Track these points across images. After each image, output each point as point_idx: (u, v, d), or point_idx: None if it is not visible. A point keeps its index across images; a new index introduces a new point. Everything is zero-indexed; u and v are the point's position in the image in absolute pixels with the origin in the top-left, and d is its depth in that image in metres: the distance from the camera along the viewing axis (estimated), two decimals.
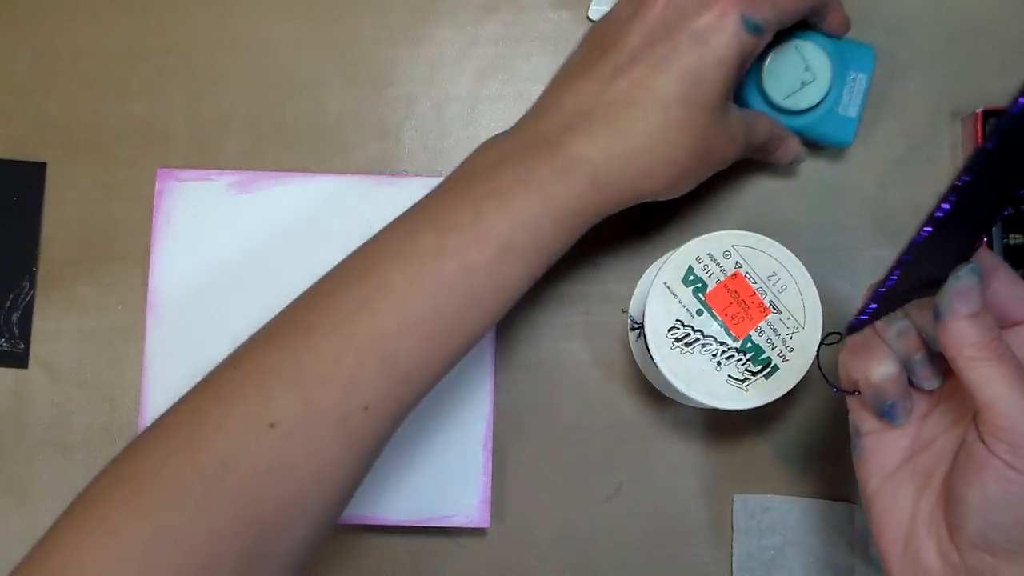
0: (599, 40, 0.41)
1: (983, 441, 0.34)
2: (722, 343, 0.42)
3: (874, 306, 0.35)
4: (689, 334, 0.42)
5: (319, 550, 0.38)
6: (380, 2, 0.52)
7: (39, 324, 0.50)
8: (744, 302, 0.42)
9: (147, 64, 0.52)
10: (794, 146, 0.47)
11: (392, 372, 0.37)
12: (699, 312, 0.42)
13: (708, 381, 0.42)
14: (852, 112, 0.48)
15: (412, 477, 0.48)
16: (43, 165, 0.51)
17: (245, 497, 0.35)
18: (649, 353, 0.43)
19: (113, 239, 0.51)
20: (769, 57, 0.45)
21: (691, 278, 0.43)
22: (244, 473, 0.35)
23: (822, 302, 0.42)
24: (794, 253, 0.43)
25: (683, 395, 0.43)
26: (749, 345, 0.42)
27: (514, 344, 0.50)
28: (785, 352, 0.42)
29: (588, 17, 0.52)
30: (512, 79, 0.52)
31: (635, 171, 0.39)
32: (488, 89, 0.52)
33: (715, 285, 0.43)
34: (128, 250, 0.51)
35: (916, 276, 0.34)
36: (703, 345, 0.42)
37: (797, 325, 0.43)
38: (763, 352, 0.42)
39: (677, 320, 0.42)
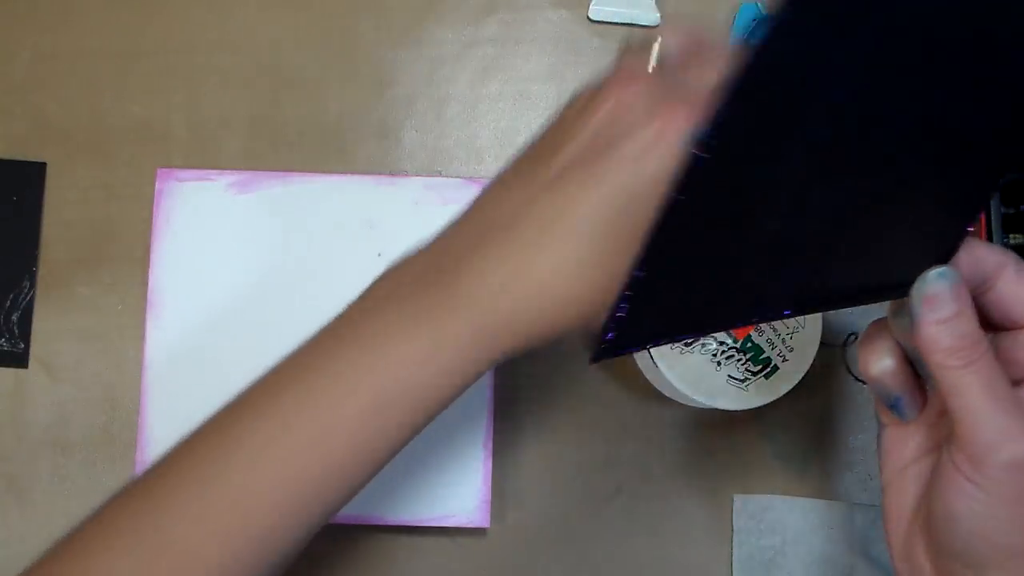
0: (549, 139, 0.35)
1: (950, 452, 0.32)
2: (722, 343, 0.42)
3: (611, 335, 0.30)
4: None
5: None
6: (380, 2, 0.52)
7: (39, 324, 0.50)
8: None
9: (147, 64, 0.52)
10: None
11: (242, 545, 0.33)
12: None
13: (708, 381, 0.42)
14: None
15: (412, 477, 0.48)
16: (43, 165, 0.51)
17: None
18: (649, 353, 0.43)
19: (113, 239, 0.51)
20: None
21: None
22: None
23: None
24: None
25: (683, 395, 0.43)
26: (749, 345, 0.42)
27: None
28: (785, 352, 0.42)
29: (588, 17, 0.52)
30: (512, 79, 0.52)
31: (538, 310, 0.33)
32: (488, 89, 0.52)
33: None
34: (128, 250, 0.51)
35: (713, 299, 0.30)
36: (703, 345, 0.42)
37: (797, 325, 0.42)
38: (763, 352, 0.42)
39: None
